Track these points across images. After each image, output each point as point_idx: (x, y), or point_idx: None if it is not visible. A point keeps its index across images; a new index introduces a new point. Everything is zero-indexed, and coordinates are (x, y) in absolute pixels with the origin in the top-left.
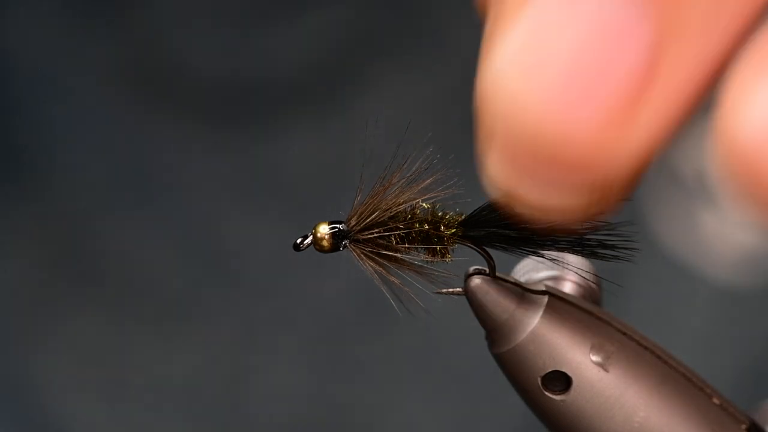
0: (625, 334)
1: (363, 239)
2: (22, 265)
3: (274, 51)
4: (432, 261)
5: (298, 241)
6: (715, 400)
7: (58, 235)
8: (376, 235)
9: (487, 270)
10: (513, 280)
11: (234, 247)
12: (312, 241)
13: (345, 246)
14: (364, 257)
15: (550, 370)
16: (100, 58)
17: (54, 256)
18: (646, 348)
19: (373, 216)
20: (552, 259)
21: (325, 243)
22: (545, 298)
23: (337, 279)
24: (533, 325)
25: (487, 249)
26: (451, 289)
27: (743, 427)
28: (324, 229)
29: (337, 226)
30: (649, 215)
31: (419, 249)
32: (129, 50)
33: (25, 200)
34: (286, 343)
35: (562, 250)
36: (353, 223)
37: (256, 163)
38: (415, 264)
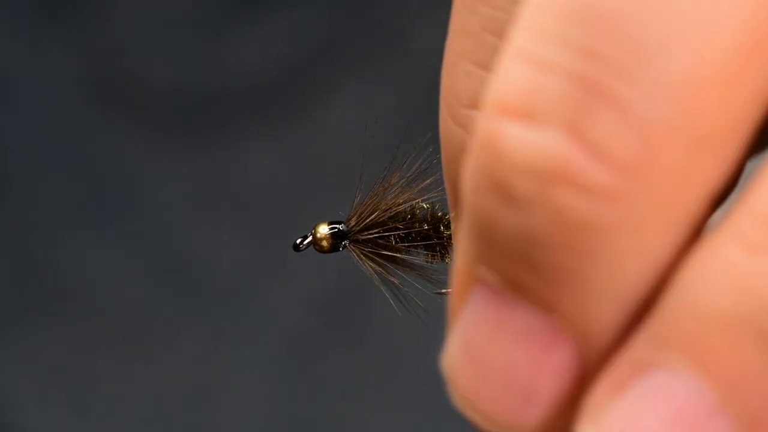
0: None
1: (363, 239)
2: None
3: (235, 59)
4: (432, 261)
5: (298, 241)
6: None
7: (15, 249)
8: (375, 235)
9: None
10: None
11: (196, 260)
12: (311, 241)
13: (344, 246)
14: (363, 257)
15: None
16: (57, 66)
17: (12, 270)
18: None
19: (373, 216)
20: None
21: (325, 243)
22: None
23: (303, 292)
24: None
25: None
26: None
27: None
28: (324, 230)
29: (337, 226)
30: None
31: (419, 249)
32: (87, 59)
33: None
34: (251, 358)
35: None
36: (353, 223)
37: (217, 174)
38: (415, 264)
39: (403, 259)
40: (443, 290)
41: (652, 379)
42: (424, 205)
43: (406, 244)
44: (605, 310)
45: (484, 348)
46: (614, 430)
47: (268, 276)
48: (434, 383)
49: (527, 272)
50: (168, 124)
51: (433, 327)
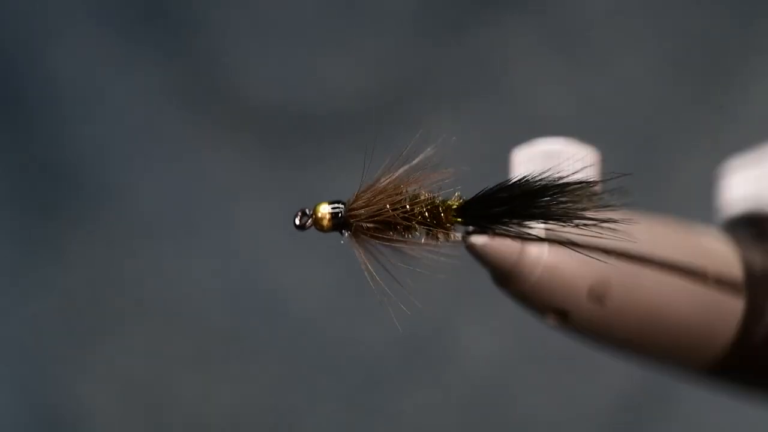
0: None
1: (363, 218)
2: (69, 287)
3: (331, 80)
4: (432, 244)
5: (297, 218)
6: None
7: (103, 259)
8: (375, 213)
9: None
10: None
11: (281, 285)
12: (312, 220)
13: (345, 226)
14: (363, 239)
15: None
16: (157, 80)
17: (100, 280)
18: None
19: (375, 196)
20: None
21: (325, 222)
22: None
23: (383, 327)
24: (545, 256)
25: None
26: (454, 239)
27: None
28: (324, 209)
29: (339, 206)
30: None
31: (419, 230)
32: (184, 71)
33: (74, 223)
34: (326, 386)
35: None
36: (354, 202)
37: (306, 196)
38: (414, 244)
39: (403, 240)
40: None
41: None
42: (425, 193)
43: (407, 223)
44: None
45: None
46: None
47: (352, 306)
48: (507, 424)
49: None
50: (261, 140)
51: (515, 368)
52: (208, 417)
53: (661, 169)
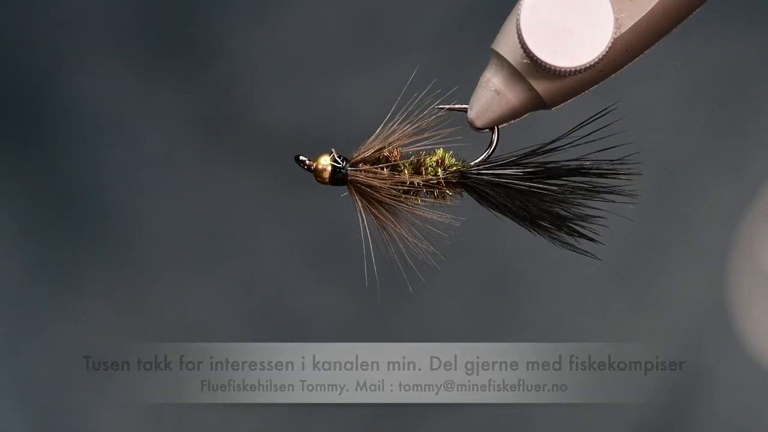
0: None
1: (363, 171)
2: (88, 315)
3: (347, 104)
4: (435, 201)
5: (299, 161)
6: None
7: (121, 289)
8: (375, 167)
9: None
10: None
11: (299, 313)
12: (313, 171)
13: (345, 175)
14: (360, 196)
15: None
16: (172, 107)
17: (118, 309)
18: None
19: (376, 151)
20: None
21: (326, 175)
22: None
23: (403, 355)
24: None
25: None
26: (453, 105)
27: None
28: (325, 160)
29: (338, 165)
30: (737, 317)
31: (419, 189)
32: (199, 99)
33: (93, 250)
34: (349, 415)
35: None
36: (355, 156)
37: (324, 227)
38: (413, 197)
39: (400, 197)
40: (445, 106)
41: None
42: (424, 152)
43: (411, 179)
44: None
45: None
46: None
47: (373, 331)
48: None
49: None
50: (281, 166)
51: (534, 397)
52: None
53: (684, 197)
